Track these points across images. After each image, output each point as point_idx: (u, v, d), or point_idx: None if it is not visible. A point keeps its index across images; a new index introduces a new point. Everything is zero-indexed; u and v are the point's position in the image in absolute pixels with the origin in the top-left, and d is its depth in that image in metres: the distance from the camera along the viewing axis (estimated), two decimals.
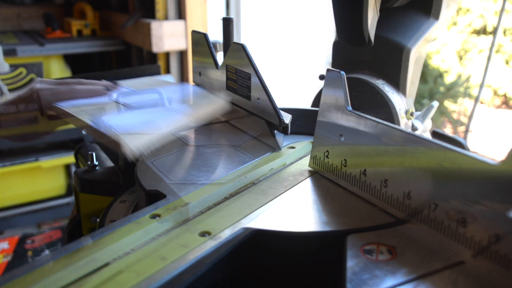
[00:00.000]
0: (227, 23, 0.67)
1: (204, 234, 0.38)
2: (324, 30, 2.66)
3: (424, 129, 0.72)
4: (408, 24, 0.65)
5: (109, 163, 0.73)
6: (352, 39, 0.60)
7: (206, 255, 0.35)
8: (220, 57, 0.67)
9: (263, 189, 0.46)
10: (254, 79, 0.57)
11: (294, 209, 0.42)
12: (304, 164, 0.52)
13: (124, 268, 0.34)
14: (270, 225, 0.39)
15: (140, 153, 0.47)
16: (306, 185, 0.47)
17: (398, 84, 0.63)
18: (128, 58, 2.26)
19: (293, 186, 0.47)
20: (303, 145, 0.57)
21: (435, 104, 0.72)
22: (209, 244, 0.36)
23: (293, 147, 0.56)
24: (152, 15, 1.90)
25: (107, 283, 0.32)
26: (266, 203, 0.43)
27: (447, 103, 3.48)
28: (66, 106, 0.56)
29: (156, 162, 0.52)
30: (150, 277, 0.32)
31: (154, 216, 0.41)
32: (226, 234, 0.38)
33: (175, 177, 0.49)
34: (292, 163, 0.53)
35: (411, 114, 0.64)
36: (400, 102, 0.62)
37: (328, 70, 0.46)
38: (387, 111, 0.62)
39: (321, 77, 0.68)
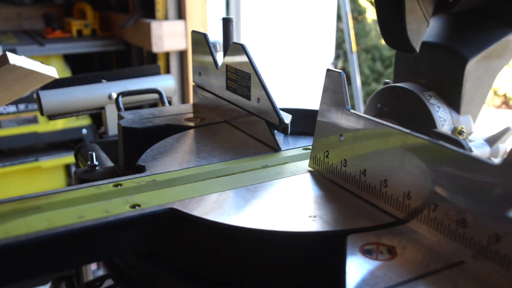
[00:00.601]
0: (227, 23, 0.67)
1: (134, 206, 0.41)
2: (325, 30, 2.66)
3: (494, 154, 0.60)
4: (474, 33, 0.57)
5: (109, 163, 0.73)
6: (393, 43, 0.57)
7: (115, 221, 0.39)
8: (220, 57, 0.67)
9: (230, 180, 0.47)
10: (254, 79, 0.57)
11: (240, 202, 0.43)
12: (297, 165, 0.52)
13: (44, 217, 0.39)
14: (196, 211, 0.41)
15: (18, 64, 0.57)
16: (274, 183, 0.47)
17: (450, 98, 0.56)
18: (128, 58, 2.26)
19: (261, 182, 0.47)
20: None
21: None
22: (125, 214, 0.39)
23: (308, 148, 0.56)
24: (152, 15, 1.90)
25: (19, 224, 0.38)
26: (218, 191, 0.45)
27: None
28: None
29: (160, 150, 0.55)
30: (57, 228, 0.37)
31: (117, 185, 0.45)
32: (150, 210, 0.41)
33: (170, 158, 0.53)
34: (290, 163, 0.53)
35: (460, 133, 0.57)
36: (448, 118, 0.56)
37: (328, 70, 0.46)
38: (427, 126, 0.56)
39: (385, 84, 0.64)
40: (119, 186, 0.45)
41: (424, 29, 0.55)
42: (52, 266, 0.38)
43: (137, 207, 0.41)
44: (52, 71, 0.66)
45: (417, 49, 0.56)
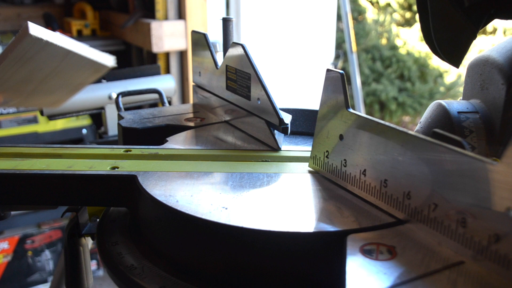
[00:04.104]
0: (227, 23, 0.67)
1: (114, 168, 0.49)
2: (325, 30, 2.66)
3: None
4: None
5: None
6: (435, 52, 0.54)
7: (87, 174, 0.48)
8: (220, 57, 0.67)
9: (224, 165, 0.51)
10: (254, 79, 0.57)
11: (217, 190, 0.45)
12: (297, 165, 0.52)
13: (45, 162, 0.51)
14: (149, 183, 0.45)
15: (40, 36, 0.54)
16: (271, 180, 0.48)
17: (492, 120, 0.49)
18: (128, 58, 2.26)
19: (258, 172, 0.49)
20: None
21: None
22: (99, 172, 0.48)
23: (308, 149, 0.56)
24: (152, 15, 1.90)
25: (21, 164, 0.51)
26: (204, 171, 0.49)
27: None
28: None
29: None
30: (50, 170, 0.48)
31: (127, 151, 0.54)
32: (118, 173, 0.48)
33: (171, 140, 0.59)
34: (290, 162, 0.53)
35: None
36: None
37: (328, 70, 0.46)
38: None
39: None
40: (128, 152, 0.53)
41: (467, 41, 0.53)
42: (48, 196, 0.49)
43: (116, 169, 0.48)
44: (107, 59, 0.59)
45: (459, 63, 0.54)
